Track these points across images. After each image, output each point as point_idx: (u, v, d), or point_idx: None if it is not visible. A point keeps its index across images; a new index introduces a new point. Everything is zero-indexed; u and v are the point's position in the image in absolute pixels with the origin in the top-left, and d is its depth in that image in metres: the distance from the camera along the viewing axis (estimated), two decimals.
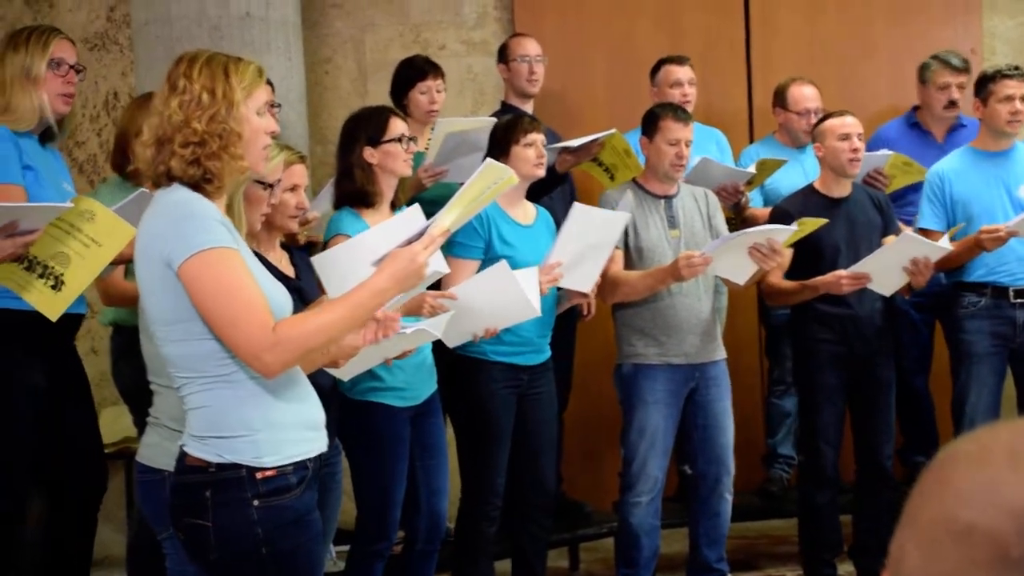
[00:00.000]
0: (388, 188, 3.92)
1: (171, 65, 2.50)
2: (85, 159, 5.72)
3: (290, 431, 2.46)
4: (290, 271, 3.51)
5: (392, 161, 3.90)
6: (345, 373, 3.20)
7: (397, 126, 3.93)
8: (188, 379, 2.44)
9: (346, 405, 3.79)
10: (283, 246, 3.59)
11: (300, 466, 2.47)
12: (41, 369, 3.66)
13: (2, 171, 3.52)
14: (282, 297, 2.50)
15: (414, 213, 3.20)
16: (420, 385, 3.93)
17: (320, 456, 2.54)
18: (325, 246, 3.75)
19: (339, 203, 3.87)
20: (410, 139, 3.95)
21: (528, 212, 4.34)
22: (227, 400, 2.41)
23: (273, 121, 2.55)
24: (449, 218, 2.56)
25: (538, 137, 4.23)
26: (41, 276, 3.25)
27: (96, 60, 5.67)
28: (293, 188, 3.51)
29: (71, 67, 3.68)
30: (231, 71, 2.46)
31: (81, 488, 3.84)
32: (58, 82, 3.65)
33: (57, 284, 3.26)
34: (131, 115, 4.03)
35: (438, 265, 2.63)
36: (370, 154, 3.88)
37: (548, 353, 4.36)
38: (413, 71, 4.93)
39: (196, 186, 2.44)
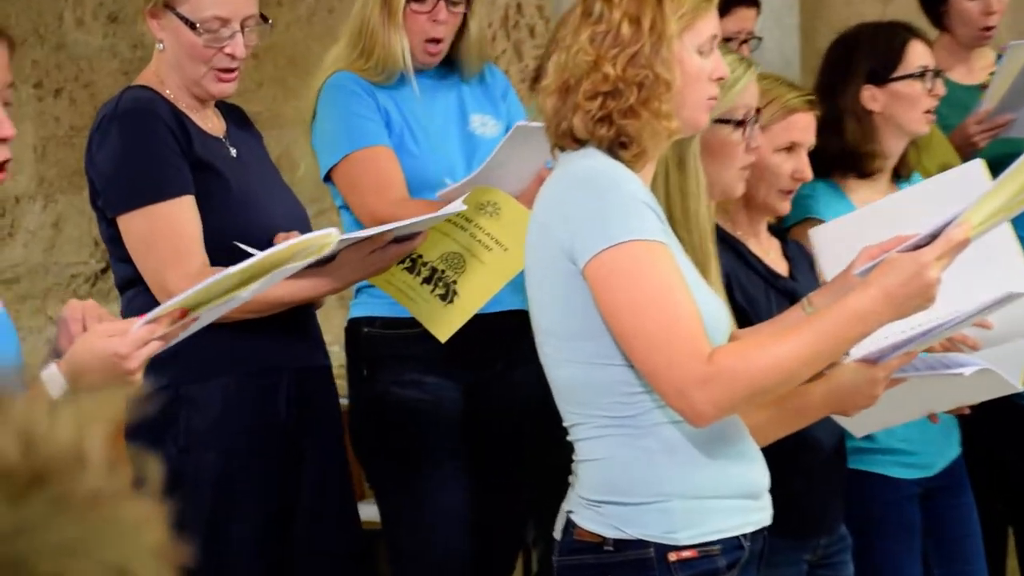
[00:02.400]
0: (894, 149, 3.61)
1: None
2: None
3: (718, 499, 2.44)
4: (782, 265, 3.28)
5: (906, 109, 3.58)
6: (859, 427, 3.01)
7: (918, 54, 3.62)
8: (580, 417, 2.45)
9: None
10: (771, 229, 3.35)
11: (731, 544, 2.44)
12: (461, 393, 3.60)
13: (357, 131, 3.50)
14: (718, 314, 2.47)
15: (974, 171, 3.00)
16: (933, 448, 3.57)
17: (765, 533, 2.49)
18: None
19: (814, 168, 3.43)
20: (935, 74, 3.61)
21: None
22: (633, 451, 2.41)
23: (720, 62, 2.50)
24: (979, 215, 2.41)
25: None
26: (427, 281, 3.27)
27: None
28: (790, 147, 3.23)
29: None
30: None
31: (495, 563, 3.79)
32: (421, 20, 3.53)
33: (448, 294, 3.27)
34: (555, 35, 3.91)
35: (1015, 283, 2.48)
36: (871, 96, 3.58)
37: None
38: None
39: (609, 151, 2.43)
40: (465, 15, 3.60)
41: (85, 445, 0.92)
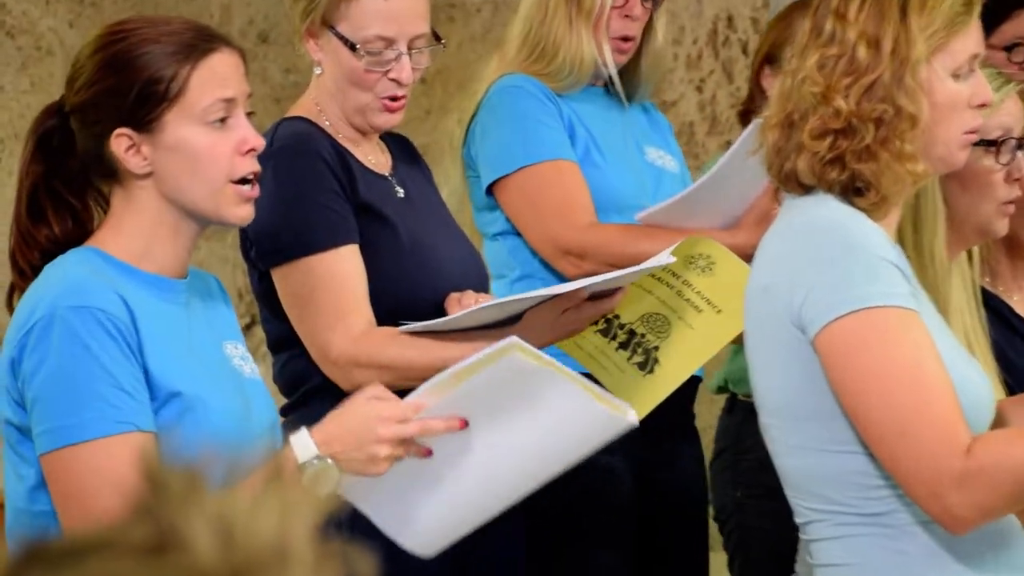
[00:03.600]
0: None
1: None
2: (678, 129, 5.39)
3: None
4: None
5: None
6: None
7: None
8: (817, 514, 2.40)
9: None
10: None
11: None
12: (633, 475, 3.56)
13: (537, 140, 3.47)
14: (980, 393, 2.39)
15: None
16: None
17: None
18: None
19: None
20: None
21: None
22: (887, 555, 2.36)
23: (983, 85, 2.43)
24: None
25: None
26: (624, 346, 3.23)
27: None
28: None
29: None
30: (912, 5, 2.36)
31: None
32: (615, 17, 3.56)
33: (648, 362, 3.22)
34: (769, 39, 3.95)
35: None
36: None
37: None
38: None
39: (843, 197, 2.38)
40: (651, 15, 3.61)
41: (289, 539, 0.94)
